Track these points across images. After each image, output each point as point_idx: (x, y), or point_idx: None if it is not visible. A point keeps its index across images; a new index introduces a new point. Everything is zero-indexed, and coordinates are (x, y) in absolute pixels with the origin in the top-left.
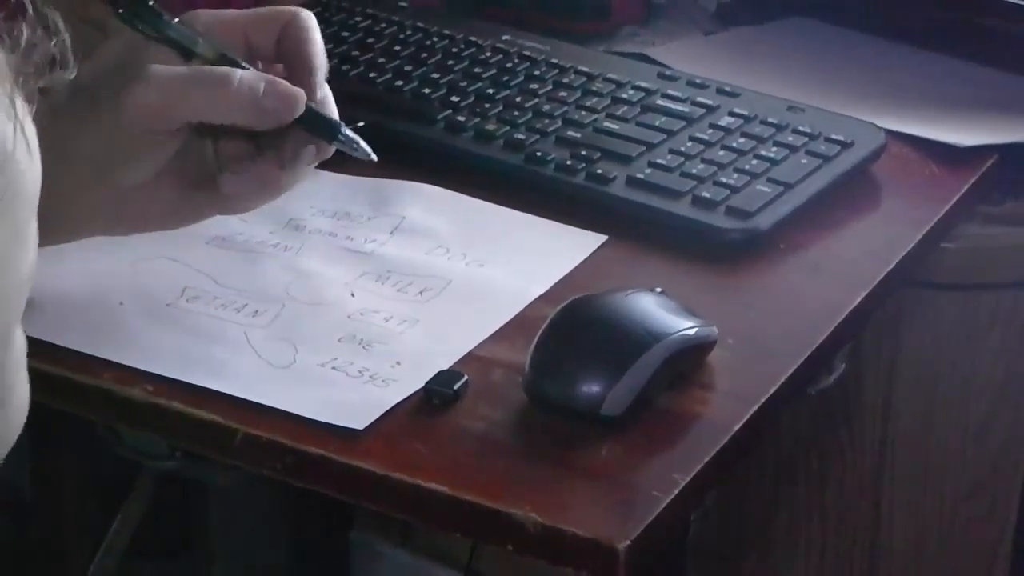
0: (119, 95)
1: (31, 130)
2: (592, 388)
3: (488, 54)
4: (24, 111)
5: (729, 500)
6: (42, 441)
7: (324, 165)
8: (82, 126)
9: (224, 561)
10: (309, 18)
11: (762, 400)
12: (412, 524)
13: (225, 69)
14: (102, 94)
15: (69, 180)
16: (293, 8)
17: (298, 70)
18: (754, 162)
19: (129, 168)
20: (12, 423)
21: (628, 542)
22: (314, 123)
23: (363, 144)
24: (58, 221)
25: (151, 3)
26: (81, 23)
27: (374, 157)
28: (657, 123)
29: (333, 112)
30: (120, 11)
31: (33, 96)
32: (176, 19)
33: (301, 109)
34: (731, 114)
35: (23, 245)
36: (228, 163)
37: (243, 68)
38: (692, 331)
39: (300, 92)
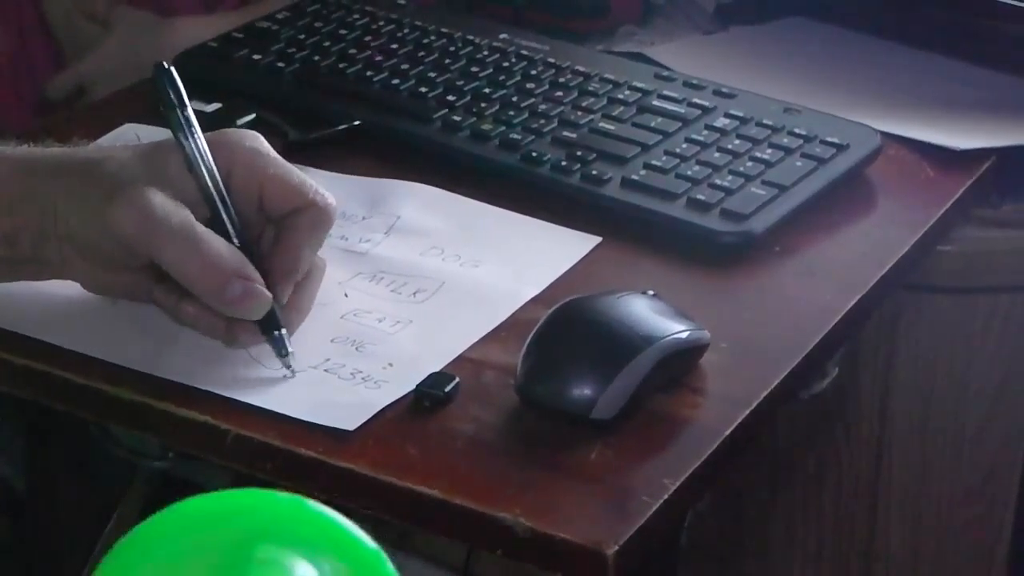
0: (106, 204)
1: None
2: (584, 391)
3: (485, 53)
4: None
5: (725, 503)
6: (37, 440)
7: (319, 164)
8: (77, 203)
9: None
10: (326, 214)
11: (754, 404)
12: (408, 526)
13: (207, 237)
14: (102, 187)
15: (59, 236)
16: (319, 197)
17: (284, 260)
18: (749, 164)
19: (106, 256)
20: None
21: (617, 547)
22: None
23: (290, 355)
24: (40, 266)
25: (188, 111)
26: (83, 20)
27: (291, 373)
28: (653, 124)
29: (301, 303)
30: (159, 92)
31: None
32: (199, 135)
33: (260, 315)
34: (727, 116)
35: None
36: (182, 298)
37: (226, 218)
38: (684, 334)
39: (266, 299)
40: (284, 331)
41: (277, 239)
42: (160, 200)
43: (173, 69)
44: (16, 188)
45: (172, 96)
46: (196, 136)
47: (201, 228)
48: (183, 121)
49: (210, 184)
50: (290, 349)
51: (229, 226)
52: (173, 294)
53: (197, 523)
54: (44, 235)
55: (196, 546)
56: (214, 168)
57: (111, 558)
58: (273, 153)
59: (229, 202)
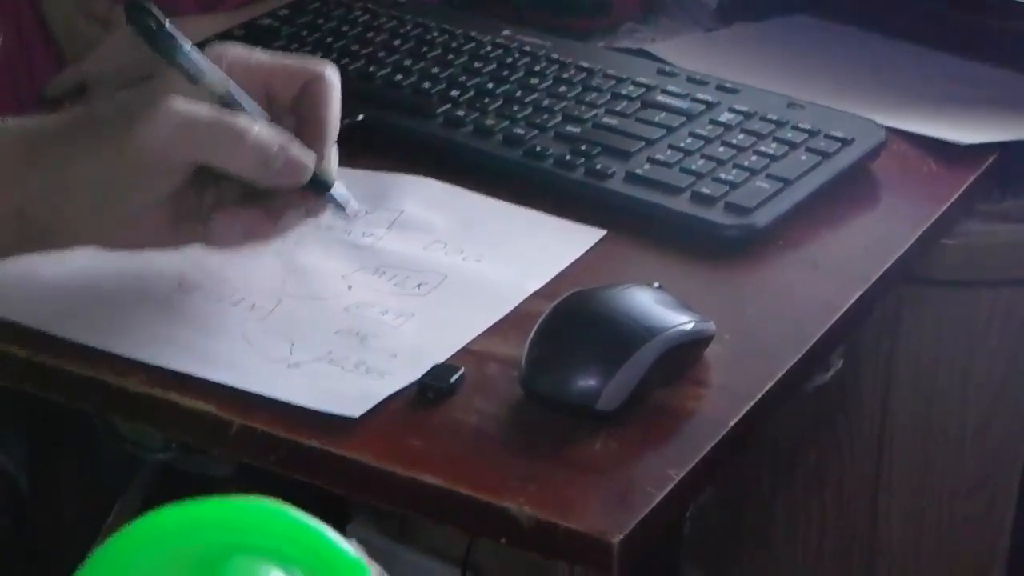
0: (132, 128)
1: None
2: (588, 383)
3: (488, 49)
4: None
5: (727, 497)
6: (40, 432)
7: None
8: (95, 151)
9: None
10: (333, 79)
11: (758, 396)
12: (409, 518)
13: (243, 119)
14: (116, 121)
15: (71, 200)
16: (319, 67)
17: (310, 129)
18: (753, 158)
19: (130, 197)
20: None
21: (622, 536)
22: (310, 181)
23: (352, 203)
24: (54, 234)
25: (167, 27)
26: (83, 19)
27: (362, 214)
28: (656, 119)
29: (333, 168)
30: (134, 26)
31: None
32: (190, 45)
33: (307, 177)
34: (731, 110)
35: None
36: (219, 205)
37: (248, 114)
38: (689, 326)
39: (309, 160)
40: (336, 185)
41: (301, 114)
42: (182, 103)
43: (147, 2)
44: (23, 158)
45: (151, 21)
46: (190, 46)
47: (230, 112)
48: (176, 33)
49: (224, 85)
50: (350, 197)
51: (253, 112)
52: (201, 214)
53: (170, 535)
54: (59, 203)
55: (169, 559)
56: (219, 70)
57: (85, 570)
58: (260, 49)
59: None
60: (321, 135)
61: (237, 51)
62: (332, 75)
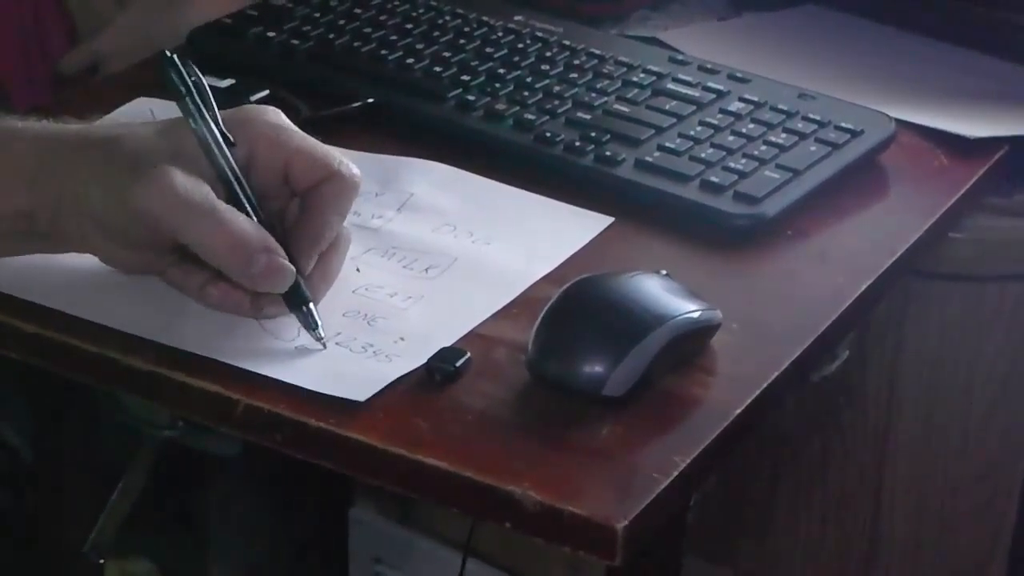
0: (131, 185)
1: None
2: (595, 368)
3: (500, 34)
4: None
5: (729, 485)
6: (44, 408)
7: (332, 141)
8: (97, 183)
9: (223, 535)
10: (350, 185)
11: (764, 385)
12: (412, 502)
13: (231, 215)
14: (124, 167)
15: (77, 214)
16: (342, 167)
17: (310, 232)
18: (763, 148)
19: (126, 238)
20: None
21: (626, 522)
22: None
23: (320, 328)
24: (59, 240)
25: (189, 99)
26: None
27: (322, 346)
28: (667, 107)
29: (329, 274)
30: (164, 80)
31: None
32: (214, 115)
33: (285, 287)
34: (741, 100)
35: None
36: (208, 273)
37: (245, 200)
38: (696, 314)
39: (290, 271)
40: (312, 305)
41: (302, 210)
42: (182, 179)
43: (176, 57)
44: (36, 164)
45: (179, 84)
46: (207, 121)
47: (223, 205)
48: (193, 108)
49: (226, 169)
50: (319, 321)
51: (248, 206)
52: (193, 276)
53: None
54: (64, 211)
55: None
56: (228, 154)
57: None
58: (294, 127)
59: (246, 183)
60: (315, 241)
61: (267, 122)
62: (351, 179)
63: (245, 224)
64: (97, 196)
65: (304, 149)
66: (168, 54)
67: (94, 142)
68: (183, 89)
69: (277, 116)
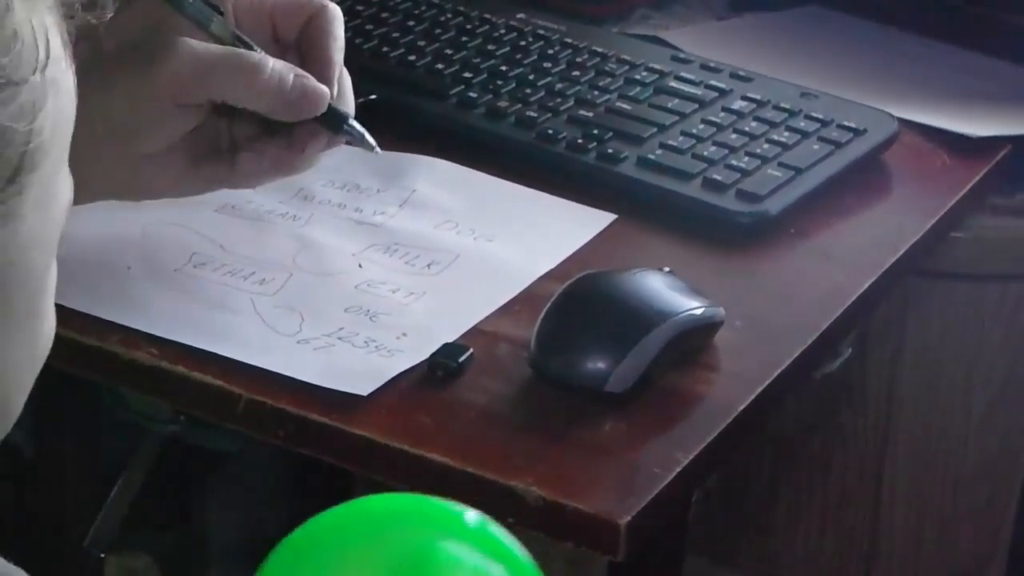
0: (150, 65)
1: (72, 61)
2: (597, 365)
3: (502, 31)
4: (68, 45)
5: (730, 482)
6: (44, 403)
7: None
8: (107, 92)
9: (224, 528)
10: (336, 13)
11: (766, 382)
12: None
13: (258, 57)
14: (130, 61)
15: (87, 144)
16: (323, 1)
17: (316, 63)
18: (765, 146)
19: (148, 137)
20: (46, 342)
21: (629, 518)
22: (324, 114)
23: (368, 137)
24: (96, 189)
25: None
26: None
27: (378, 150)
28: (669, 105)
29: (348, 100)
30: None
31: (72, 32)
32: None
33: (324, 107)
34: (744, 98)
35: (65, 175)
36: (242, 142)
37: (254, 51)
38: (699, 311)
39: (324, 91)
40: (350, 117)
41: (304, 49)
42: (197, 44)
43: None
44: None
45: None
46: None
47: (244, 51)
48: None
49: (227, 30)
50: (363, 131)
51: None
52: (222, 159)
53: (372, 519)
54: (88, 153)
55: (372, 539)
56: (222, 21)
57: (282, 551)
58: None
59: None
60: (328, 67)
61: None
62: (334, 9)
63: (273, 60)
64: (106, 109)
65: (282, 0)
66: None
67: (81, 58)
68: None
69: None
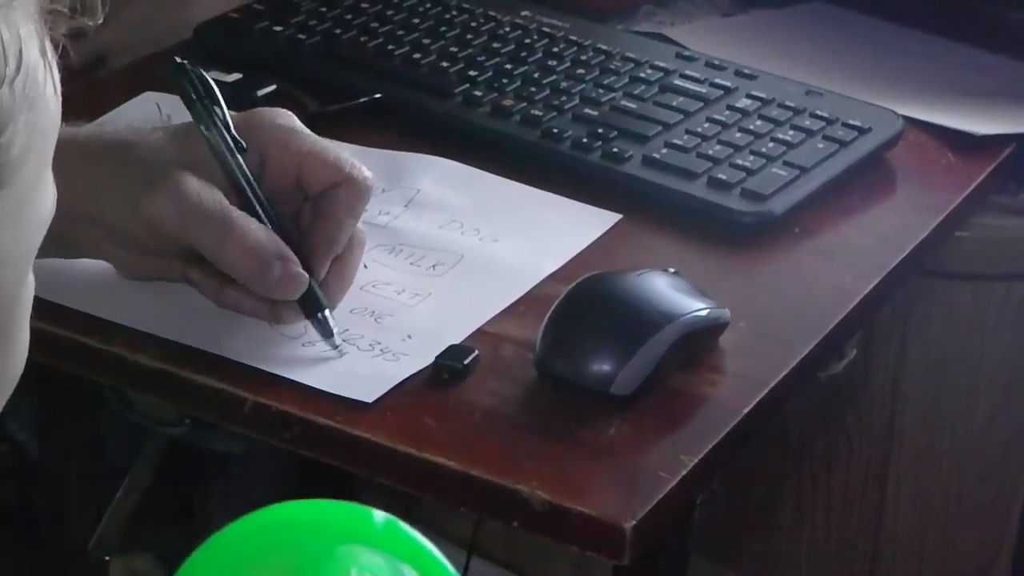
0: (144, 194)
1: (56, 72)
2: (603, 366)
3: (507, 30)
4: (51, 52)
5: (735, 483)
6: (50, 404)
7: (339, 137)
8: (112, 189)
9: None
10: (364, 187)
11: (772, 383)
12: (415, 500)
13: (245, 222)
14: (138, 175)
15: (91, 217)
16: (354, 171)
17: (323, 236)
18: (770, 145)
19: (138, 246)
20: (20, 357)
21: (634, 522)
22: (302, 298)
23: (335, 336)
24: (74, 244)
25: (201, 103)
26: None
27: (337, 354)
28: (674, 103)
29: (344, 278)
30: (174, 86)
31: (59, 40)
32: (226, 117)
33: (299, 294)
34: (749, 96)
35: (45, 185)
36: (225, 283)
37: (258, 206)
38: (704, 312)
39: (303, 278)
40: (327, 312)
41: (316, 214)
42: (195, 187)
43: (186, 63)
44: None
45: (190, 91)
46: (219, 127)
47: (237, 212)
48: (204, 114)
49: (239, 175)
50: (334, 329)
51: (261, 212)
52: (212, 278)
53: (276, 527)
54: (77, 220)
55: (276, 547)
56: (240, 160)
57: (186, 567)
58: (306, 130)
59: (258, 188)
60: (329, 245)
61: (279, 126)
62: (363, 183)
63: (259, 231)
64: (110, 205)
65: (316, 152)
66: (178, 60)
67: (108, 149)
68: (193, 96)
69: (288, 119)
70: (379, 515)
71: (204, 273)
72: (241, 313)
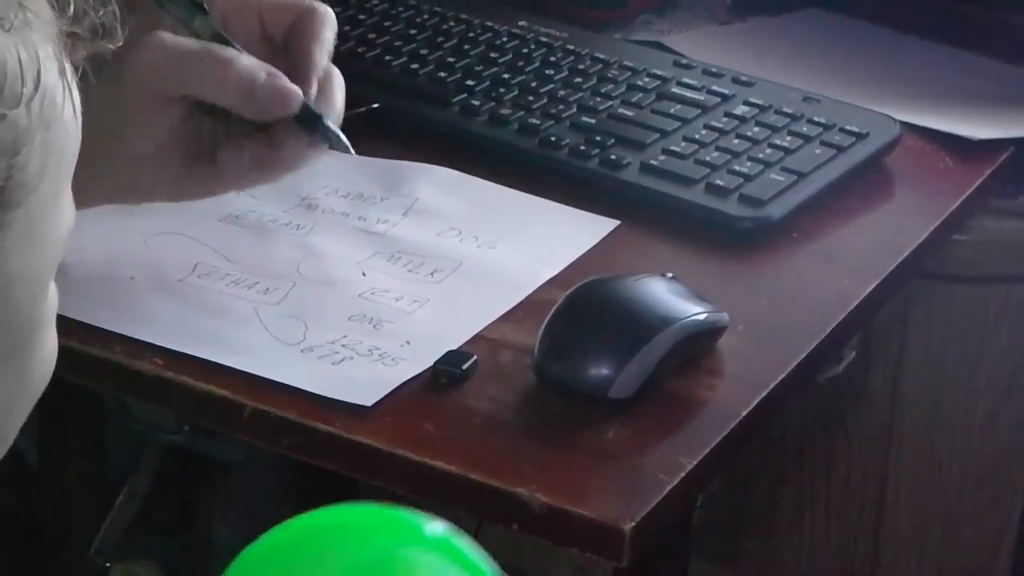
0: (124, 57)
1: (76, 94)
2: (601, 370)
3: (504, 39)
4: (71, 74)
5: (734, 485)
6: (50, 412)
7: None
8: (88, 91)
9: (228, 536)
10: (324, 15)
11: (770, 387)
12: (415, 503)
13: (229, 51)
14: (110, 60)
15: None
16: (316, 2)
17: (299, 62)
18: (768, 151)
19: (133, 136)
20: (42, 372)
21: (633, 524)
22: (299, 115)
23: (343, 139)
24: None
25: None
26: None
27: (352, 152)
28: (672, 111)
29: (333, 102)
30: None
31: (79, 63)
32: None
33: (295, 108)
34: (746, 103)
35: (61, 205)
36: (227, 139)
37: (237, 50)
38: (702, 316)
39: (296, 91)
40: (327, 121)
41: (290, 49)
42: (171, 36)
43: None
44: None
45: None
46: None
47: (218, 45)
48: None
49: (210, 30)
50: (339, 132)
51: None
52: (205, 157)
53: (335, 528)
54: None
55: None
56: (208, 19)
57: (244, 558)
58: None
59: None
60: (307, 67)
61: None
62: (324, 11)
63: (244, 57)
64: (91, 109)
65: (273, 0)
66: None
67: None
68: None
69: None
70: (435, 523)
71: (205, 141)
72: (252, 172)
